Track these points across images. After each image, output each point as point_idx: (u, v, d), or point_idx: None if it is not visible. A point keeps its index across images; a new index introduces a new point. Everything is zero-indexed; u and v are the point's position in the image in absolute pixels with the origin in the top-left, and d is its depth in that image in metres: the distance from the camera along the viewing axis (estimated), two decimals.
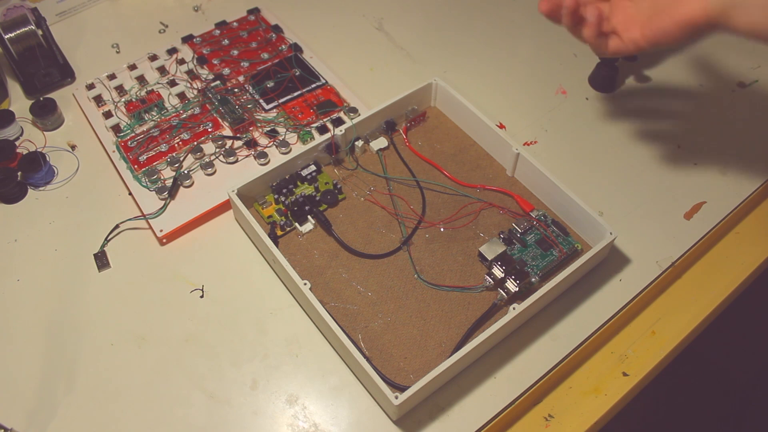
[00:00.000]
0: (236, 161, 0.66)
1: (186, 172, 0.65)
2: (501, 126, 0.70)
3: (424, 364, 0.53)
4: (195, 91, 0.72)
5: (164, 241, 0.62)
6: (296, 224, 0.61)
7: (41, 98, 0.71)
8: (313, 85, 0.73)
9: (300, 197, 0.63)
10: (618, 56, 0.64)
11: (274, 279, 0.60)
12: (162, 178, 0.65)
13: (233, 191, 0.60)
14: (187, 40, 0.78)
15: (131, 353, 0.55)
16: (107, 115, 0.70)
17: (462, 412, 0.52)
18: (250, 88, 0.72)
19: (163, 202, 0.63)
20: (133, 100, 0.71)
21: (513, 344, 0.55)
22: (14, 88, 0.75)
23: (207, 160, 0.66)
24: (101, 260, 0.60)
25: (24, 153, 0.68)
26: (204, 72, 0.74)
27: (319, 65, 0.75)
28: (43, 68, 0.75)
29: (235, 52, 0.76)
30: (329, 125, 0.69)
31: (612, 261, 0.60)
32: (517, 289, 0.56)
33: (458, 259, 0.59)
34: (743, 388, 1.08)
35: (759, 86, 0.74)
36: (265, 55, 0.76)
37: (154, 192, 0.64)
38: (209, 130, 0.69)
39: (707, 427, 1.07)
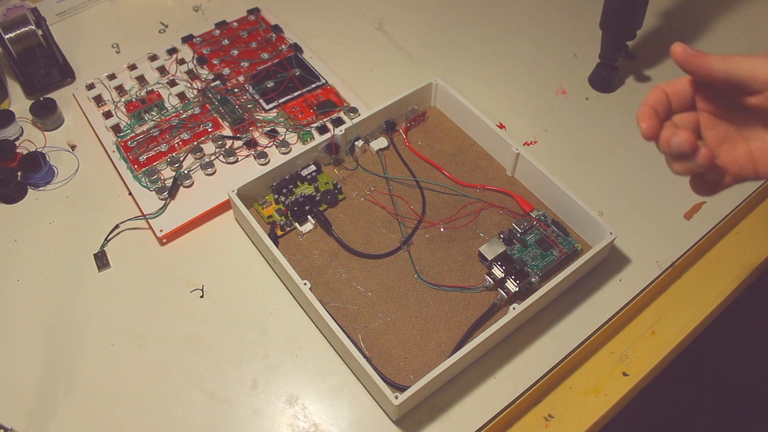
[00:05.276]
0: (236, 161, 0.66)
1: (186, 172, 0.65)
2: (501, 126, 0.70)
3: (424, 364, 0.53)
4: (195, 91, 0.72)
5: (164, 241, 0.62)
6: (296, 224, 0.61)
7: (41, 98, 0.71)
8: (313, 85, 0.73)
9: (300, 197, 0.62)
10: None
11: (274, 279, 0.60)
12: (162, 178, 0.65)
13: (233, 191, 0.60)
14: (187, 40, 0.78)
15: (131, 353, 0.55)
16: (107, 115, 0.70)
17: (462, 412, 0.52)
18: (250, 88, 0.72)
19: (163, 202, 0.63)
20: (133, 100, 0.71)
21: (513, 344, 0.55)
22: (14, 88, 0.75)
23: (207, 160, 0.66)
24: (101, 260, 0.60)
25: (24, 153, 0.68)
26: (204, 72, 0.74)
27: (319, 65, 0.75)
28: (43, 68, 0.75)
29: (235, 52, 0.76)
30: (329, 125, 0.69)
31: (612, 261, 0.60)
32: (517, 289, 0.56)
33: (458, 259, 0.59)
34: (743, 388, 1.08)
35: None
36: (265, 55, 0.76)
37: (154, 192, 0.64)
38: (209, 130, 0.69)
39: (707, 427, 1.07)
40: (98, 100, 0.72)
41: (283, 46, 0.77)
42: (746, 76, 0.38)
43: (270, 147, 0.68)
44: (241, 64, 0.75)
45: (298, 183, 0.64)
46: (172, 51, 0.77)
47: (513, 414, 0.53)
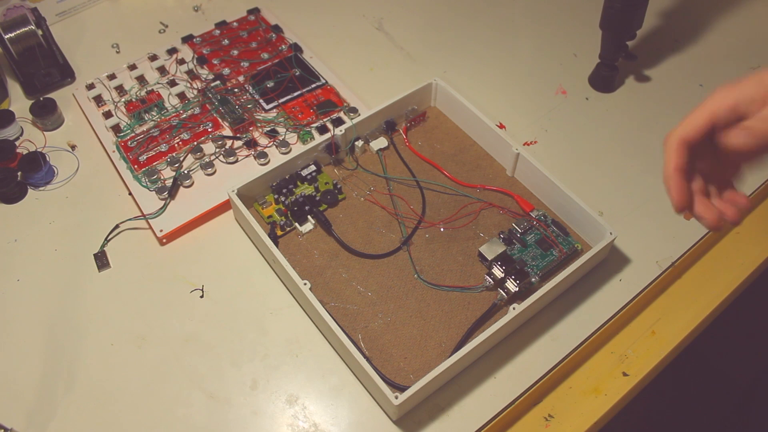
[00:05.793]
0: (236, 161, 0.66)
1: (186, 172, 0.65)
2: (501, 126, 0.70)
3: (424, 364, 0.53)
4: (195, 91, 0.72)
5: (164, 241, 0.62)
6: (296, 224, 0.61)
7: (41, 98, 0.71)
8: (313, 85, 0.73)
9: (300, 197, 0.63)
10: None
11: (274, 279, 0.60)
12: (162, 178, 0.65)
13: (233, 191, 0.60)
14: (187, 40, 0.78)
15: (131, 353, 0.55)
16: (107, 115, 0.70)
17: (462, 412, 0.52)
18: (250, 88, 0.72)
19: (163, 202, 0.63)
20: (133, 100, 0.71)
21: (513, 344, 0.55)
22: (14, 88, 0.75)
23: (207, 160, 0.66)
24: (101, 260, 0.60)
25: (24, 153, 0.68)
26: (204, 72, 0.74)
27: (319, 65, 0.75)
28: (43, 68, 0.75)
29: (235, 52, 0.76)
30: (329, 125, 0.69)
31: (612, 261, 0.60)
32: (517, 289, 0.56)
33: (458, 259, 0.59)
34: (743, 388, 1.08)
35: None
36: (265, 55, 0.76)
37: (154, 192, 0.64)
38: (209, 130, 0.69)
39: (707, 427, 1.07)
40: (98, 100, 0.72)
41: (283, 46, 0.77)
42: None
43: (270, 147, 0.68)
44: (241, 64, 0.75)
45: (298, 183, 0.64)
46: (172, 51, 0.77)
47: (513, 414, 0.53)
